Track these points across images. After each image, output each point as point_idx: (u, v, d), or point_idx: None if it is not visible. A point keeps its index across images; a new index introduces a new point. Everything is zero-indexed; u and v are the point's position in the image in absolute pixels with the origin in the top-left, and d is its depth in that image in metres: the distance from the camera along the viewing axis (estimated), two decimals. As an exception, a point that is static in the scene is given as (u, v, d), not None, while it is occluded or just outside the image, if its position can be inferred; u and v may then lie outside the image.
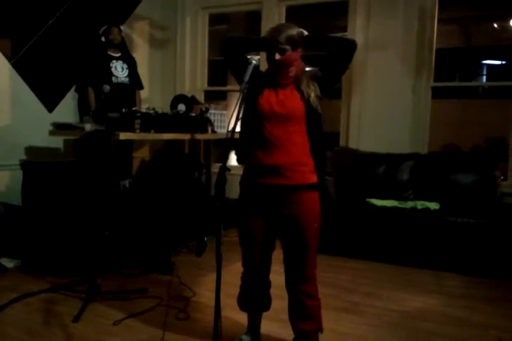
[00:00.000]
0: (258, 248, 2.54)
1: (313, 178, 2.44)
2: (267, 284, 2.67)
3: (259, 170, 2.43)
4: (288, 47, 2.32)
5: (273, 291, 2.70)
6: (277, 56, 2.33)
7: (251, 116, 2.42)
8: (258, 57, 2.40)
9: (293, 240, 2.47)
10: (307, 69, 2.50)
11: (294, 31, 2.35)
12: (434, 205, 4.54)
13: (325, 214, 4.73)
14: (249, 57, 2.37)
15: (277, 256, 2.59)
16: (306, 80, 2.40)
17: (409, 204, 4.61)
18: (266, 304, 2.71)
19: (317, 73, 2.43)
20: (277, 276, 2.63)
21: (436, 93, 5.49)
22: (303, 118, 2.38)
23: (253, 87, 2.40)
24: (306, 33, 2.43)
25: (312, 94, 2.38)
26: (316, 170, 2.45)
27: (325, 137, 2.50)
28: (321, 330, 2.57)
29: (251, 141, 2.44)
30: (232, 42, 2.55)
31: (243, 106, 2.37)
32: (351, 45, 2.41)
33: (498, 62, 11.60)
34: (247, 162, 2.52)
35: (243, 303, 2.70)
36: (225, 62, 2.58)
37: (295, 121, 2.38)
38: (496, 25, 10.08)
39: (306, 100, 2.37)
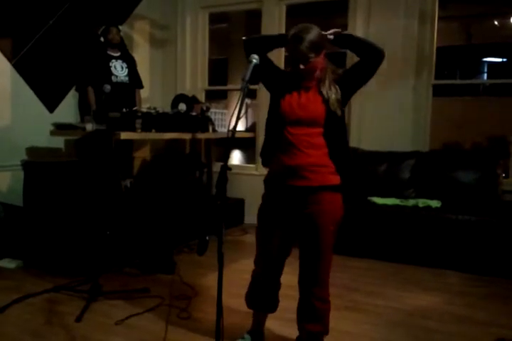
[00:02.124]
0: (274, 249, 2.54)
1: (334, 180, 2.43)
2: (277, 285, 2.66)
3: (281, 171, 2.45)
4: (312, 54, 2.29)
5: (280, 290, 2.70)
6: (301, 66, 2.31)
7: (274, 118, 2.45)
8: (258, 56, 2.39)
9: (308, 239, 2.47)
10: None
11: (315, 34, 2.29)
12: (435, 203, 4.53)
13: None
14: (250, 55, 2.36)
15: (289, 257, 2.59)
16: (328, 82, 2.39)
17: (411, 202, 4.61)
18: (273, 305, 2.70)
19: (341, 77, 2.43)
20: (284, 276, 2.63)
21: (437, 91, 5.48)
22: (322, 120, 2.38)
23: (276, 89, 2.43)
24: (337, 29, 2.40)
25: (333, 97, 2.37)
26: (338, 172, 2.43)
27: (346, 137, 2.50)
28: (327, 332, 2.57)
29: (274, 142, 2.46)
30: (252, 43, 2.53)
31: (268, 108, 2.44)
32: (379, 53, 2.39)
33: (499, 60, 11.59)
34: (272, 163, 2.53)
35: (251, 301, 2.69)
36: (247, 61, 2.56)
37: (316, 124, 2.38)
38: (496, 23, 10.07)
39: (326, 103, 2.37)
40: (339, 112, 2.40)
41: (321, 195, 2.42)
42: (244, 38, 2.57)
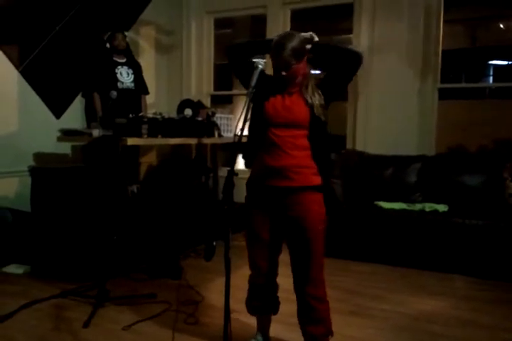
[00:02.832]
0: (265, 249, 2.56)
1: (317, 180, 2.46)
2: (275, 286, 2.68)
3: (265, 172, 2.47)
4: (293, 61, 2.32)
5: (281, 295, 2.71)
6: (283, 72, 2.34)
7: (258, 120, 2.47)
8: (264, 60, 2.41)
9: (298, 242, 2.48)
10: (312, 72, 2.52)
11: (297, 41, 2.33)
12: (442, 207, 4.52)
13: (332, 217, 4.74)
14: (255, 61, 2.38)
15: (285, 258, 2.59)
16: (311, 88, 2.43)
17: (418, 206, 4.61)
18: (274, 306, 2.71)
19: (321, 79, 2.47)
20: (286, 279, 2.63)
21: (443, 94, 5.49)
22: (307, 123, 2.42)
23: (260, 92, 2.43)
24: (316, 38, 2.43)
25: (316, 103, 2.41)
26: (320, 173, 2.46)
27: (330, 142, 2.53)
28: (331, 333, 2.56)
29: (258, 144, 2.48)
30: (236, 49, 2.59)
31: (251, 110, 2.42)
32: (357, 58, 2.46)
33: (505, 63, 11.56)
34: (254, 164, 2.55)
35: (251, 306, 2.70)
36: (230, 67, 2.61)
37: (300, 126, 2.42)
38: (501, 26, 10.05)
39: (310, 107, 2.41)
40: (323, 117, 2.44)
41: (304, 195, 2.44)
42: (228, 45, 2.63)
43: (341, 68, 2.45)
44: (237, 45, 2.61)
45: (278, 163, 2.41)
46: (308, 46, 2.42)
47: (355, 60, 2.45)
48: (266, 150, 2.45)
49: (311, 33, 2.42)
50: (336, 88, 2.50)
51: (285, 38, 2.35)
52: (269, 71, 2.53)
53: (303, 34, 2.41)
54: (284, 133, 2.41)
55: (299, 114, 2.41)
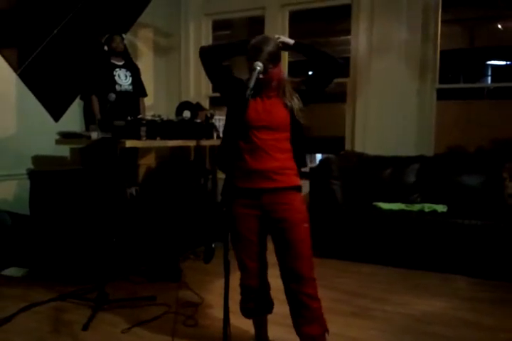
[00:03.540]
0: (252, 250, 2.55)
1: (297, 181, 2.51)
2: (266, 285, 2.67)
3: (247, 174, 2.46)
4: (270, 65, 2.34)
5: (277, 296, 2.68)
6: (261, 75, 2.34)
7: (238, 123, 2.43)
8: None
9: (286, 242, 2.46)
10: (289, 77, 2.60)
11: (272, 45, 2.36)
12: (441, 208, 4.52)
13: (332, 218, 4.74)
14: (254, 62, 2.37)
15: (272, 259, 2.58)
16: (289, 92, 2.47)
17: (417, 207, 4.60)
18: (268, 306, 2.70)
19: (300, 85, 2.51)
20: (277, 280, 2.60)
21: (441, 94, 5.49)
22: (288, 126, 2.46)
23: (238, 96, 2.40)
24: (287, 39, 2.50)
25: (296, 107, 2.46)
26: (299, 173, 2.53)
27: (308, 144, 2.57)
28: (327, 331, 2.53)
29: (238, 147, 2.47)
30: (207, 52, 2.57)
31: (226, 113, 2.55)
32: (337, 65, 2.51)
33: (503, 63, 11.57)
34: (235, 167, 2.51)
35: (246, 309, 2.68)
36: (204, 71, 2.61)
37: (282, 129, 2.46)
38: (499, 26, 10.06)
39: (289, 110, 2.45)
40: (302, 120, 2.49)
41: (291, 194, 2.48)
42: (201, 46, 2.65)
43: (320, 72, 2.51)
44: (209, 48, 2.61)
45: (261, 166, 2.42)
46: (292, 41, 2.50)
47: (335, 67, 2.50)
48: (248, 153, 2.45)
49: (276, 35, 2.50)
50: (314, 91, 2.53)
51: (261, 41, 2.37)
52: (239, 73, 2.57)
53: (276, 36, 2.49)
54: (266, 136, 2.43)
55: (280, 117, 2.44)
